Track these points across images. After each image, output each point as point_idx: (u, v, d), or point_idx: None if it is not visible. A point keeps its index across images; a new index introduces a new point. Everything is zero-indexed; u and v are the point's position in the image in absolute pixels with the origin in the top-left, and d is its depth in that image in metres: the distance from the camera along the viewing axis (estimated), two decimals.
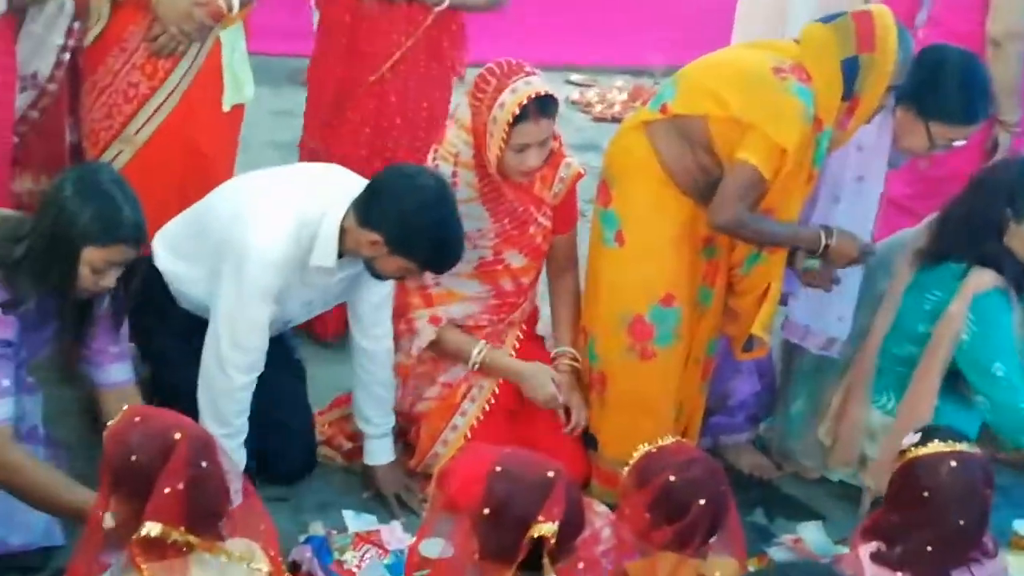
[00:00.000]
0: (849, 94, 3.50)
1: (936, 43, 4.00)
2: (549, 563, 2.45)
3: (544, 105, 3.53)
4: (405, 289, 3.75)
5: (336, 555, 3.43)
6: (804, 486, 4.05)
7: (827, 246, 3.60)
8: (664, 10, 7.52)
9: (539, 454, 2.64)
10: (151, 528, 2.45)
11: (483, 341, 3.80)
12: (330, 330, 4.32)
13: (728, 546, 2.76)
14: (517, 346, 3.90)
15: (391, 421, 3.76)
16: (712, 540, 2.73)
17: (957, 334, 3.65)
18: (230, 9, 3.81)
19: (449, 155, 3.65)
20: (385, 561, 3.43)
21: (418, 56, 4.29)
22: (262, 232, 3.33)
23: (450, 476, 2.52)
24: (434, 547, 2.51)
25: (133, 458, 2.50)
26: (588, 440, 3.83)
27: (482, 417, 3.79)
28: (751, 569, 2.91)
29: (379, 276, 3.43)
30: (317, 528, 3.54)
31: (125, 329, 3.32)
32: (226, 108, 3.97)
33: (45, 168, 3.90)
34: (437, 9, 4.22)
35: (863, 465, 3.89)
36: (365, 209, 3.33)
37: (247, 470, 3.21)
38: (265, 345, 3.43)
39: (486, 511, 2.43)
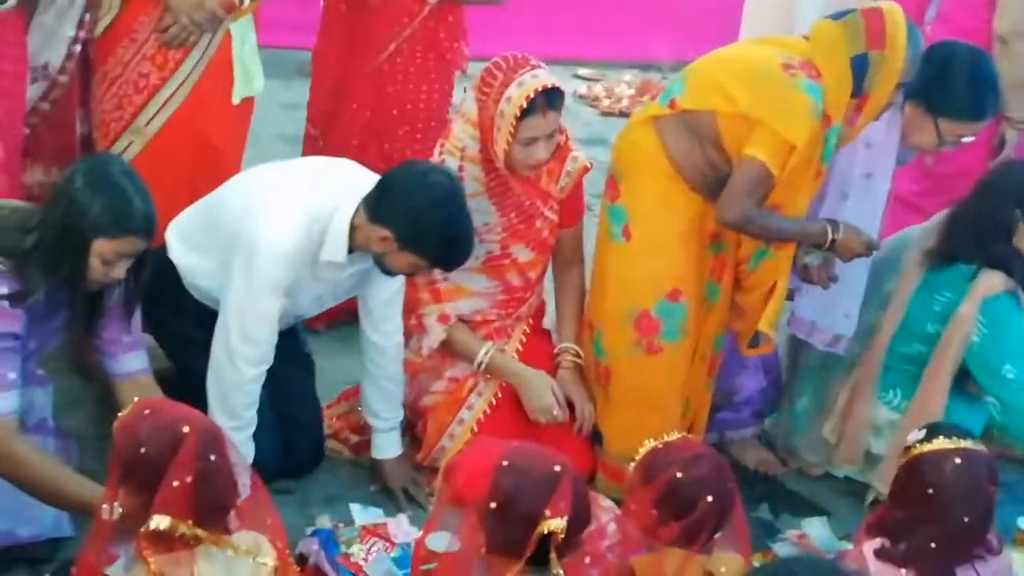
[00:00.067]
0: (858, 91, 3.50)
1: (945, 39, 3.98)
2: (556, 558, 2.45)
3: (551, 98, 3.53)
4: (414, 284, 3.74)
5: (343, 548, 3.42)
6: (809, 482, 4.04)
7: (833, 240, 3.61)
8: (672, 5, 7.48)
9: (545, 448, 2.63)
10: (159, 521, 2.47)
11: (489, 342, 3.80)
12: (321, 319, 4.25)
13: (733, 542, 2.76)
14: (524, 340, 3.89)
15: (399, 415, 3.76)
16: (717, 536, 2.73)
17: (967, 336, 3.66)
18: (241, 0, 3.82)
19: (455, 149, 3.65)
20: (392, 554, 3.43)
21: (415, 47, 4.29)
22: (273, 225, 3.34)
23: (457, 470, 2.52)
24: (441, 541, 2.51)
25: (142, 450, 2.52)
26: (594, 435, 3.82)
27: (488, 411, 3.79)
28: (756, 565, 2.92)
29: (388, 272, 3.44)
30: (324, 521, 3.55)
31: (137, 319, 3.31)
32: (236, 101, 3.97)
33: (56, 160, 3.89)
34: (433, 0, 4.23)
35: (868, 462, 3.90)
36: (376, 205, 3.33)
37: (258, 463, 3.20)
38: (275, 338, 3.43)
39: (492, 505, 2.43)
